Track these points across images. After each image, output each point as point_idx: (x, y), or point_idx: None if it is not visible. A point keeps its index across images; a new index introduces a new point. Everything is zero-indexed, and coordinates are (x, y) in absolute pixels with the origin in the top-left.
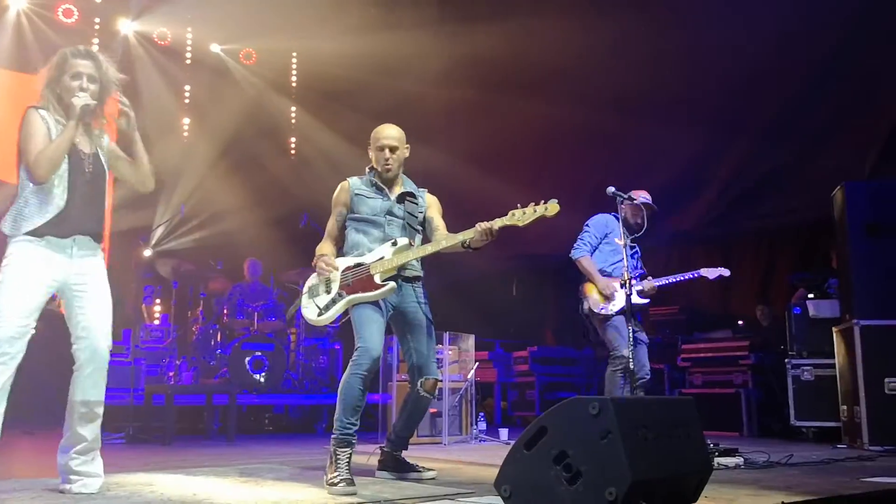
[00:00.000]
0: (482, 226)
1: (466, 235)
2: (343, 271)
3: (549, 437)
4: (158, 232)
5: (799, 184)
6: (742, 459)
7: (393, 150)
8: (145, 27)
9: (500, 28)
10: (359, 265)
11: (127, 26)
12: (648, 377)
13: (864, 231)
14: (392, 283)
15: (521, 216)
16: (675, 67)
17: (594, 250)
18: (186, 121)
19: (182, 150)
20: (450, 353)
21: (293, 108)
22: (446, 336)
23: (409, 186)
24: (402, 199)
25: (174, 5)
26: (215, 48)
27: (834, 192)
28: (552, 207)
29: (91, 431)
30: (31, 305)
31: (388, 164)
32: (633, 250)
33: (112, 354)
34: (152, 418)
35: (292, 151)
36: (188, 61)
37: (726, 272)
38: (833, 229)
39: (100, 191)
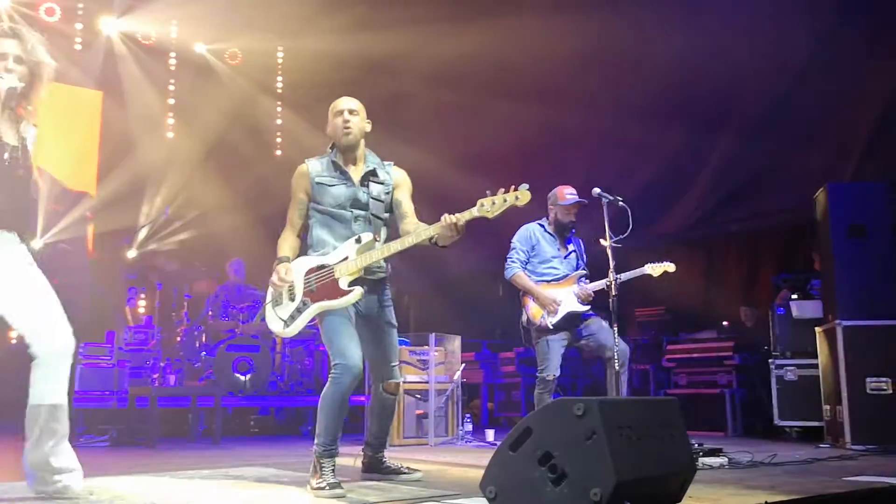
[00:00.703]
0: (448, 219)
1: (433, 230)
2: (306, 274)
3: (535, 438)
4: (142, 233)
5: (781, 185)
6: (726, 459)
7: (352, 112)
8: (129, 26)
9: (485, 29)
10: (322, 267)
11: (110, 25)
12: (616, 358)
13: (846, 232)
14: (359, 289)
15: (490, 206)
16: (657, 69)
17: (525, 265)
18: (171, 121)
19: (167, 150)
20: (436, 354)
21: (279, 109)
22: (432, 337)
23: (373, 161)
24: (365, 180)
25: (158, 4)
26: (200, 48)
27: (816, 193)
28: (523, 196)
29: (64, 423)
30: None
31: (347, 126)
32: (570, 252)
33: (95, 357)
34: (136, 421)
35: (278, 151)
36: (173, 61)
37: (671, 267)
38: (816, 230)
39: (22, 185)
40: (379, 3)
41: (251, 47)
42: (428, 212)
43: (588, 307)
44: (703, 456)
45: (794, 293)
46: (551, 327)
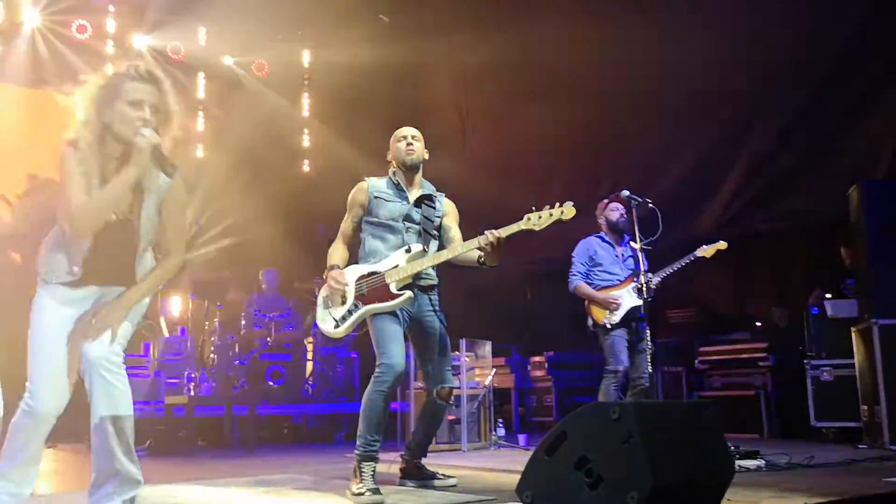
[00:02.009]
0: (491, 234)
1: (479, 242)
2: (357, 280)
3: (570, 443)
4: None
5: (813, 184)
6: (763, 461)
7: (414, 137)
8: (159, 41)
9: (510, 34)
10: (373, 274)
11: (140, 41)
12: (646, 385)
13: (880, 230)
14: (409, 293)
15: (536, 220)
16: (687, 67)
17: (586, 276)
18: (200, 133)
19: (197, 162)
20: (467, 359)
21: (307, 119)
22: (463, 343)
23: (428, 189)
24: (420, 202)
25: (187, 19)
26: (228, 61)
27: (850, 190)
28: (568, 211)
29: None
30: None
31: (410, 149)
32: (627, 256)
33: (133, 367)
34: (173, 430)
35: (306, 162)
36: (201, 74)
37: (723, 245)
38: (849, 228)
39: (134, 237)
40: (404, 12)
41: (278, 59)
42: (463, 216)
43: (648, 298)
44: (739, 458)
45: (827, 292)
46: (610, 326)
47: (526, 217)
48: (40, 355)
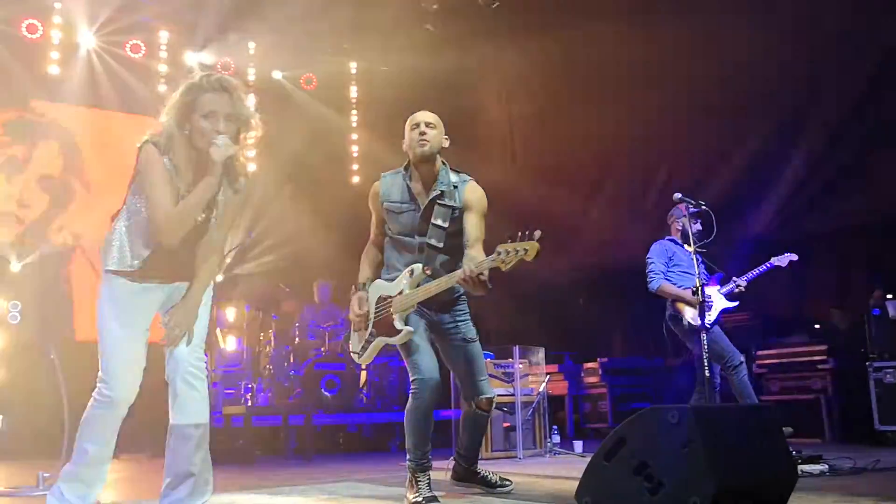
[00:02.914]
0: (467, 270)
1: (454, 279)
2: (377, 303)
3: (629, 448)
4: (228, 257)
5: (870, 183)
6: (827, 466)
7: (429, 124)
8: (209, 58)
9: (555, 38)
10: (387, 299)
11: (192, 58)
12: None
13: None
14: (408, 329)
15: (504, 257)
16: (737, 68)
17: (665, 275)
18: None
19: (249, 176)
20: (520, 366)
21: (355, 130)
22: (516, 350)
23: (445, 181)
24: (432, 205)
25: (237, 36)
26: (277, 75)
27: None
28: (531, 251)
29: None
30: None
31: (423, 138)
32: (700, 262)
33: None
34: (232, 440)
35: (356, 172)
36: (251, 89)
37: (794, 256)
38: None
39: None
40: (449, 21)
41: (326, 72)
42: (505, 226)
43: (737, 303)
44: (802, 463)
45: (888, 293)
46: (709, 325)
47: (496, 250)
48: (112, 344)
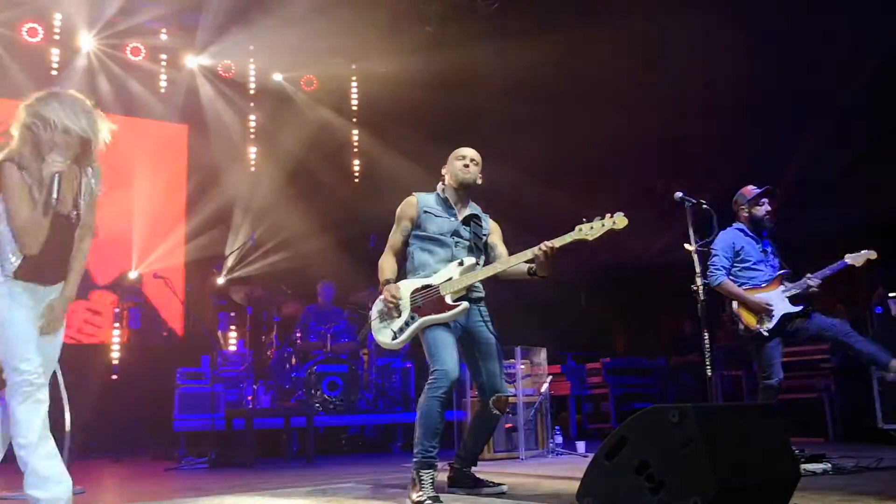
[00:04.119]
0: (545, 245)
1: (531, 253)
2: (412, 294)
3: (630, 447)
4: (230, 260)
5: (872, 181)
6: (830, 465)
7: (474, 161)
8: (210, 61)
9: (555, 39)
10: (427, 287)
11: (192, 61)
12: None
13: None
14: (465, 303)
15: (588, 230)
16: (736, 67)
17: (729, 271)
18: (253, 149)
19: (250, 178)
20: (522, 367)
21: (355, 131)
22: (518, 351)
23: (475, 209)
24: (468, 221)
25: (236, 38)
26: (277, 77)
27: None
28: (620, 221)
29: None
30: None
31: (467, 170)
32: (769, 253)
33: (192, 380)
34: (234, 442)
35: (356, 174)
36: (252, 91)
37: (873, 254)
38: None
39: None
40: (448, 21)
41: (326, 73)
42: (507, 226)
43: (801, 307)
44: (805, 462)
45: (890, 291)
46: (766, 335)
47: (577, 228)
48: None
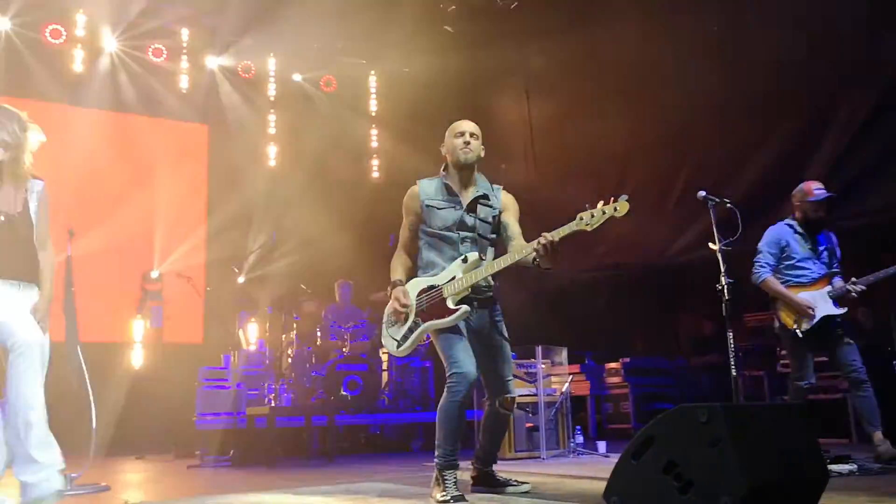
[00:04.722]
0: (545, 237)
1: (531, 247)
2: (418, 295)
3: (657, 447)
4: (251, 259)
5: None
6: (855, 465)
7: (472, 134)
8: (230, 62)
9: (576, 37)
10: (432, 287)
11: (213, 62)
12: (861, 376)
13: None
14: (465, 307)
15: (588, 219)
16: (759, 67)
17: (774, 268)
18: (273, 149)
19: (270, 178)
20: (543, 367)
21: (374, 131)
22: (539, 350)
23: (483, 186)
24: (474, 205)
25: (256, 39)
26: (297, 77)
27: None
28: (622, 206)
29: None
30: None
31: (467, 148)
32: (822, 250)
33: (215, 379)
34: (255, 440)
35: (375, 173)
36: (272, 92)
37: None
38: None
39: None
40: (467, 20)
41: (345, 73)
42: (531, 224)
43: (845, 309)
44: (831, 463)
45: None
46: (801, 335)
47: (578, 217)
48: None
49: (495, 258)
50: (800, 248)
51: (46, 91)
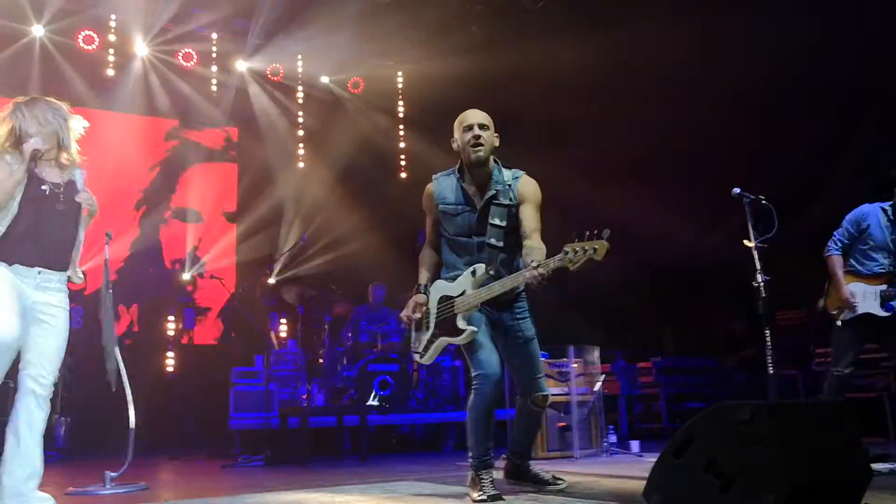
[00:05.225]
0: (538, 271)
1: (520, 278)
2: (439, 303)
3: (698, 445)
4: (281, 260)
5: None
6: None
7: (482, 126)
8: (259, 65)
9: (601, 38)
10: (448, 299)
11: (242, 65)
12: None
13: None
14: (472, 329)
15: (572, 256)
16: (791, 65)
17: (848, 247)
18: (302, 151)
19: (299, 179)
20: (575, 366)
21: (402, 132)
22: (571, 349)
23: (498, 180)
24: (488, 205)
25: (284, 42)
26: (325, 80)
27: None
28: (601, 249)
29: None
30: None
31: (479, 143)
32: None
33: (247, 380)
34: (288, 440)
35: (403, 173)
36: (300, 94)
37: None
38: None
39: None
40: (495, 21)
41: (372, 75)
42: (556, 225)
43: (890, 313)
44: (871, 461)
45: None
46: (839, 324)
47: (564, 250)
48: None
49: (514, 261)
50: (881, 234)
51: (80, 96)
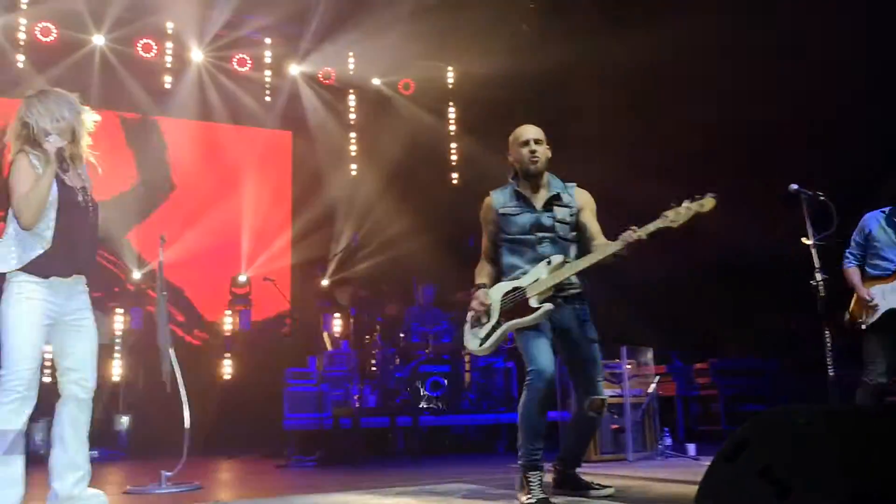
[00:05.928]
0: (631, 236)
1: (617, 246)
2: (502, 298)
3: (753, 450)
4: (334, 262)
5: None
6: None
7: (537, 141)
8: (310, 68)
9: (656, 32)
10: (516, 289)
11: (294, 69)
12: None
13: None
14: (548, 305)
15: (674, 216)
16: (840, 53)
17: (861, 257)
18: (354, 153)
19: (352, 181)
20: (628, 367)
21: (453, 132)
22: (624, 350)
23: (556, 186)
24: (549, 205)
25: (335, 46)
26: (376, 81)
27: None
28: (707, 203)
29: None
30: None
31: (535, 157)
32: None
33: (300, 380)
34: (341, 441)
35: (454, 174)
36: (351, 96)
37: None
38: None
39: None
40: (546, 19)
41: (423, 76)
42: (608, 222)
43: None
44: None
45: None
46: (864, 328)
47: (662, 215)
48: (14, 338)
49: (578, 257)
50: (884, 236)
51: (138, 103)
